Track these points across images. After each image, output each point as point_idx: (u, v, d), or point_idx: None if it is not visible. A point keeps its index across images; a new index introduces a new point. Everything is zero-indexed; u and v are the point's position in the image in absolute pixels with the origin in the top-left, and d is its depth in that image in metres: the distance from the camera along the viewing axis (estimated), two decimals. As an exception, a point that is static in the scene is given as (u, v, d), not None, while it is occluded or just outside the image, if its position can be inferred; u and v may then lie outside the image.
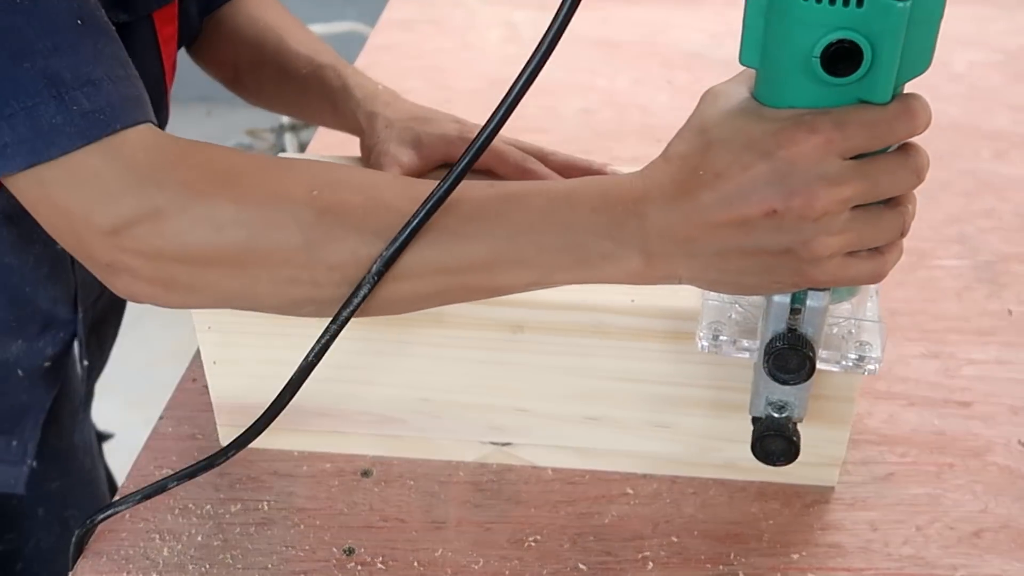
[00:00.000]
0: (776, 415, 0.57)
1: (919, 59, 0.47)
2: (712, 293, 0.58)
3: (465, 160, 0.51)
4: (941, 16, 0.46)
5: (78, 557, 0.64)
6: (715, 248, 0.50)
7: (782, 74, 0.48)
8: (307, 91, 0.81)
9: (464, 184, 0.52)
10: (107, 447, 1.03)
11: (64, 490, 0.86)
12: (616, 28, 1.47)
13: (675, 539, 0.65)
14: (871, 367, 0.56)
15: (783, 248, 0.49)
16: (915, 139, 0.50)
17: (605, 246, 0.52)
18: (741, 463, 0.68)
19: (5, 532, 0.84)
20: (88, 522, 0.63)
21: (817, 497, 0.69)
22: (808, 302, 0.53)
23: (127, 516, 0.67)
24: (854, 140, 0.47)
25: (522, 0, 1.54)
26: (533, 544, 0.65)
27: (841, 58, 0.45)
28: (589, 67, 1.34)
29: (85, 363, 0.77)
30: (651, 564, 0.64)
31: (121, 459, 0.98)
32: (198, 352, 0.82)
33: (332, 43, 0.86)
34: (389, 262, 0.51)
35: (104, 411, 1.91)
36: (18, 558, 0.85)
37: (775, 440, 0.56)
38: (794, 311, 0.53)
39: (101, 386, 0.94)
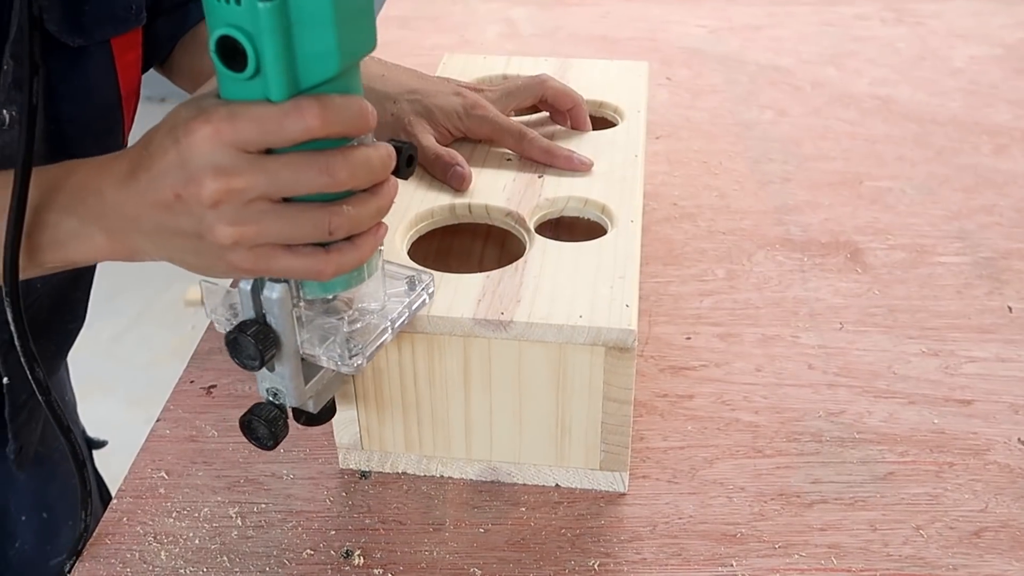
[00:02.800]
0: (272, 400, 0.58)
1: (320, 61, 0.48)
2: None
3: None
4: (331, 20, 0.47)
5: None
6: (153, 227, 0.52)
7: (215, 67, 0.49)
8: None
9: None
10: (108, 445, 1.03)
11: (41, 495, 0.85)
12: (615, 24, 1.46)
13: (674, 540, 0.65)
14: (358, 362, 0.56)
15: (193, 232, 0.50)
16: (379, 143, 0.51)
17: (71, 224, 0.54)
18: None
19: None
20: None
21: (816, 498, 0.68)
22: (264, 292, 0.54)
23: (124, 520, 0.67)
24: (244, 133, 0.48)
25: (520, -4, 1.53)
26: (532, 546, 0.65)
27: (226, 53, 0.47)
28: (588, 63, 1.34)
29: (5, 380, 0.77)
30: (650, 565, 0.63)
31: (122, 458, 0.97)
32: (196, 352, 0.82)
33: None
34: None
35: (105, 410, 1.92)
36: (3, 560, 0.85)
37: (259, 424, 0.57)
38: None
39: (99, 385, 0.94)
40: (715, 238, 0.96)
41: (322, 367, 0.59)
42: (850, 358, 0.81)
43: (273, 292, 0.54)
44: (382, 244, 0.55)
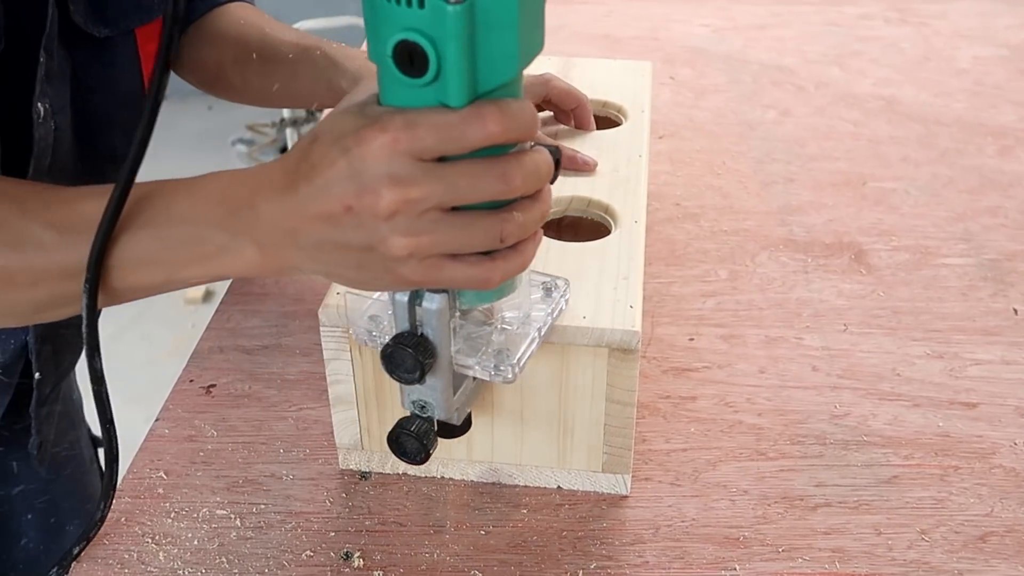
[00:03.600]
0: (420, 414, 0.56)
1: (500, 64, 0.46)
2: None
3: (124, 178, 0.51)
4: (515, 23, 0.45)
5: None
6: (313, 241, 0.50)
7: (380, 72, 0.48)
8: (297, 75, 0.82)
9: (90, 189, 0.53)
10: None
11: (40, 494, 0.85)
12: (618, 23, 1.46)
13: (676, 543, 0.65)
14: (509, 375, 0.55)
15: (364, 245, 0.49)
16: (538, 147, 0.50)
17: (221, 237, 0.52)
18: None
19: None
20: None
21: (820, 501, 0.68)
22: (423, 303, 0.52)
23: (122, 520, 0.66)
24: (424, 142, 0.46)
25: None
26: (533, 548, 0.64)
27: (408, 59, 0.45)
28: (590, 62, 1.33)
29: (37, 375, 0.76)
30: (652, 569, 0.63)
31: (122, 456, 0.97)
32: (195, 351, 0.81)
33: (332, 37, 0.86)
34: (93, 277, 0.52)
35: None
36: (8, 557, 0.85)
37: (408, 439, 0.56)
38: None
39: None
40: (718, 238, 0.96)
41: (466, 378, 0.58)
42: (854, 360, 0.81)
43: (433, 303, 0.52)
44: None
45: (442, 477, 0.70)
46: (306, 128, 2.50)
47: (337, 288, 0.64)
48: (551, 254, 0.68)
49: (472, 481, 0.69)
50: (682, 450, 0.72)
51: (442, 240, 0.48)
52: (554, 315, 0.60)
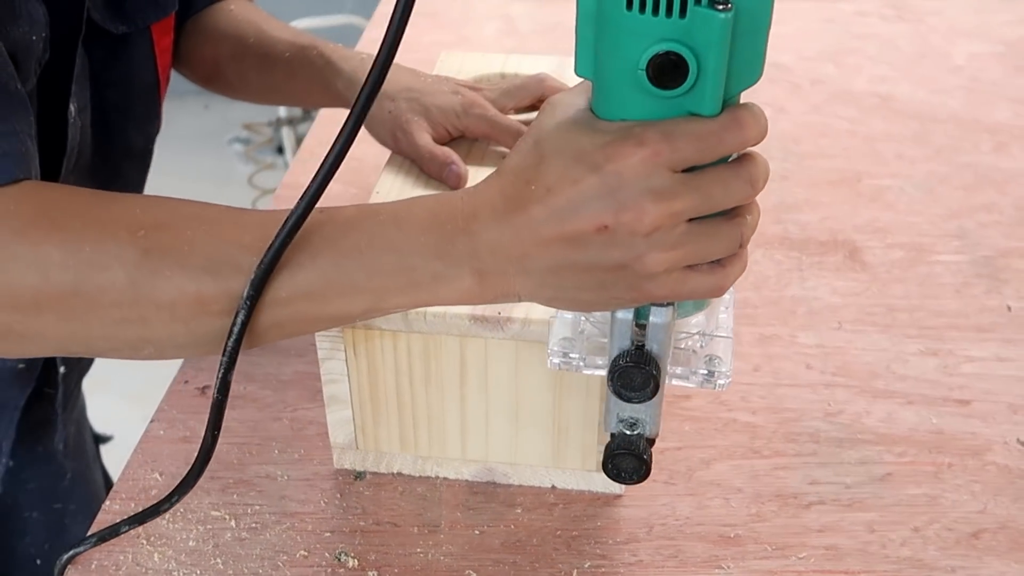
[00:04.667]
0: (628, 432, 0.55)
1: (749, 69, 0.46)
2: None
3: (310, 193, 0.49)
4: (768, 26, 0.45)
5: None
6: (548, 264, 0.49)
7: (613, 85, 0.46)
8: (293, 74, 0.82)
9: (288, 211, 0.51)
10: (104, 445, 1.03)
11: (49, 491, 0.85)
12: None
13: (671, 542, 0.65)
14: (721, 382, 0.54)
15: (616, 264, 0.48)
16: (758, 147, 0.49)
17: (435, 266, 0.50)
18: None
19: None
20: (57, 562, 0.63)
21: (814, 499, 0.68)
22: (651, 318, 0.51)
23: (117, 520, 0.66)
24: (683, 152, 0.46)
25: (519, -7, 1.53)
26: (527, 548, 0.64)
27: (667, 70, 0.44)
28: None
29: (62, 369, 0.76)
30: (646, 567, 0.63)
31: (116, 456, 0.97)
32: (191, 353, 0.81)
33: (328, 36, 0.86)
34: (255, 293, 0.50)
35: (99, 407, 1.91)
36: (11, 556, 0.85)
37: (625, 458, 0.55)
38: (640, 326, 0.52)
39: (96, 382, 0.94)
40: (713, 237, 0.96)
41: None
42: (848, 358, 0.81)
43: (662, 317, 0.51)
44: None
45: (436, 477, 0.70)
46: (303, 127, 2.50)
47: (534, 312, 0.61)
48: None
49: (466, 480, 0.69)
50: (676, 449, 0.72)
51: (692, 252, 0.48)
52: (732, 313, 0.58)
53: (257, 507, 0.67)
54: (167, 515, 0.67)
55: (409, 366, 0.66)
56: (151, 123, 0.76)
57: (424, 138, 0.76)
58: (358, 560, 0.63)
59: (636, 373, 0.51)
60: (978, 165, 1.09)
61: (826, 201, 1.02)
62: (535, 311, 0.62)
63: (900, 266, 0.92)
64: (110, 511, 0.67)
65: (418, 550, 0.64)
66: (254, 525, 0.66)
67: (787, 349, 0.82)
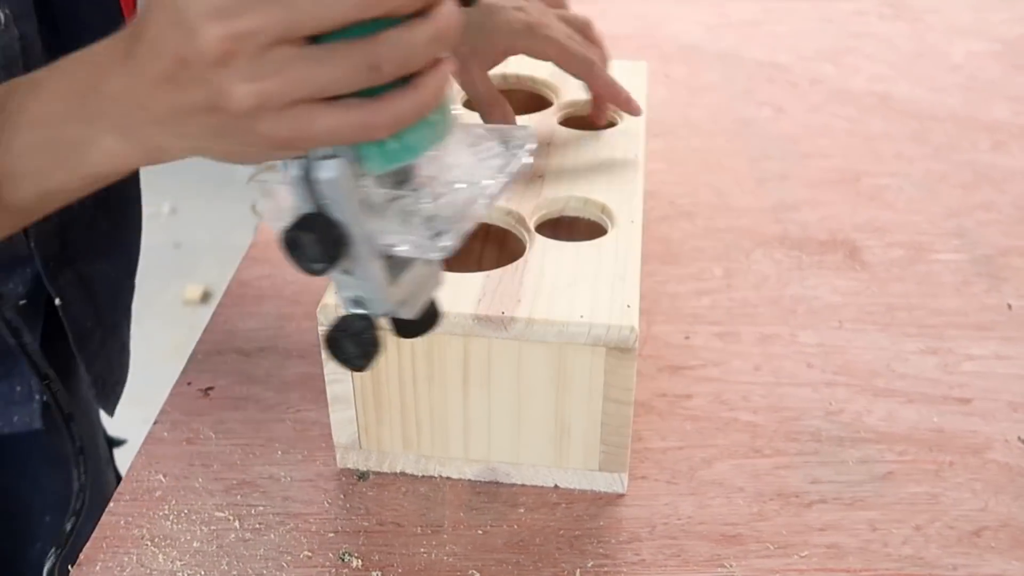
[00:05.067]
0: (354, 312, 0.48)
1: None
2: None
3: None
4: None
5: None
6: (165, 109, 0.43)
7: None
8: None
9: None
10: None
11: (63, 496, 0.85)
12: (613, 21, 1.46)
13: (673, 541, 0.65)
14: (444, 244, 0.44)
15: (208, 103, 0.41)
16: None
17: (76, 131, 0.46)
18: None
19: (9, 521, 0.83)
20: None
21: (815, 498, 0.68)
22: (312, 172, 0.43)
23: (121, 522, 0.66)
24: None
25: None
26: (530, 547, 0.65)
27: None
28: (585, 61, 1.33)
29: (57, 301, 0.71)
30: (649, 566, 0.63)
31: (119, 458, 0.97)
32: (194, 354, 0.81)
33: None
34: None
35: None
36: (23, 562, 0.85)
37: (343, 341, 0.47)
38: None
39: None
40: (713, 236, 0.96)
41: (413, 262, 0.48)
42: (849, 357, 0.81)
43: (324, 171, 0.43)
44: (449, 88, 0.44)
45: (439, 476, 0.70)
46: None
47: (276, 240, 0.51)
48: (548, 254, 0.68)
49: (469, 480, 0.70)
50: (678, 448, 0.72)
51: (296, 79, 0.39)
52: (511, 172, 0.48)
53: (261, 508, 0.67)
54: (170, 516, 0.67)
55: (412, 365, 0.66)
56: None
57: (483, 77, 0.67)
58: (362, 560, 0.64)
59: (302, 240, 0.43)
60: (977, 163, 1.09)
61: (825, 200, 1.02)
62: (538, 311, 0.62)
63: (900, 265, 0.92)
64: (115, 512, 0.67)
65: (421, 550, 0.64)
66: (258, 526, 0.66)
67: (788, 348, 0.82)
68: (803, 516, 0.67)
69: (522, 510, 0.67)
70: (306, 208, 0.44)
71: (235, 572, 0.63)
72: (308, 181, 0.44)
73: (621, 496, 0.68)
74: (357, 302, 0.48)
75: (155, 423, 0.75)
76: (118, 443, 1.00)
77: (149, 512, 0.67)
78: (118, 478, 1.00)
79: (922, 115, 1.19)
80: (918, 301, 0.87)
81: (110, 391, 0.83)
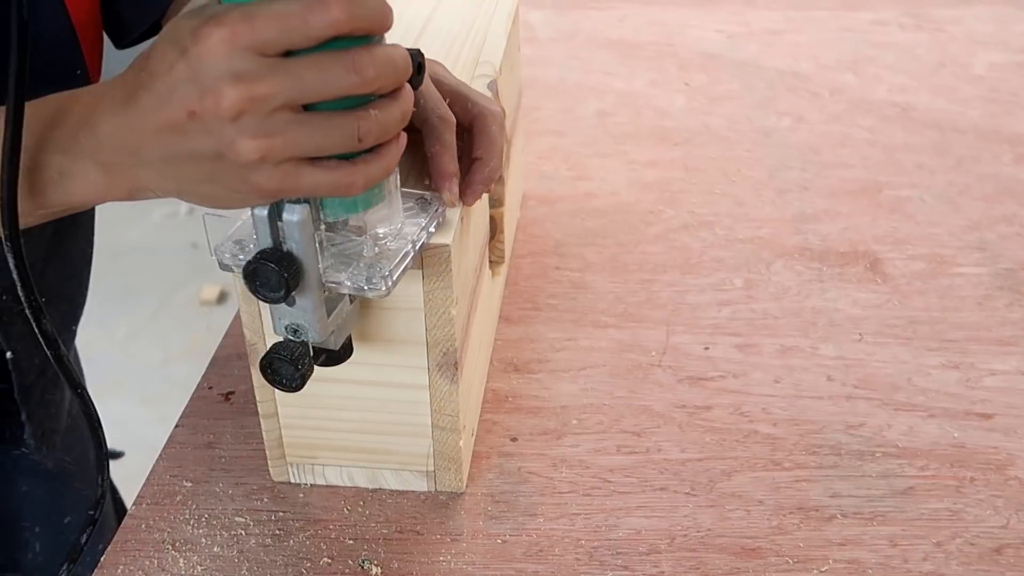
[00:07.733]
0: (292, 338, 0.54)
1: None
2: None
3: None
4: None
5: None
6: (161, 155, 0.48)
7: None
8: None
9: None
10: (121, 446, 1.02)
11: (49, 504, 0.85)
12: (633, 29, 1.46)
13: (692, 553, 0.65)
14: (380, 288, 0.53)
15: (213, 152, 0.46)
16: (393, 43, 0.48)
17: (60, 162, 0.50)
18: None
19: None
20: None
21: (835, 512, 0.68)
22: (284, 215, 0.50)
23: (142, 526, 0.67)
24: (264, 33, 0.44)
25: (539, 0, 1.53)
26: (549, 558, 0.65)
27: None
28: (606, 69, 1.33)
29: (9, 354, 0.73)
30: (668, 579, 0.63)
31: (137, 457, 0.98)
32: (215, 359, 0.82)
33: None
34: None
35: (118, 408, 1.93)
36: (19, 569, 0.85)
37: (282, 364, 0.54)
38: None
39: (114, 384, 0.94)
40: (733, 246, 0.96)
41: (341, 299, 0.56)
42: (869, 370, 0.81)
43: (294, 214, 0.50)
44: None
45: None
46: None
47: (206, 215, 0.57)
48: None
49: (489, 491, 0.70)
50: (697, 460, 0.72)
51: (295, 141, 0.46)
52: (430, 229, 0.57)
53: (281, 514, 0.68)
54: (191, 521, 0.67)
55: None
56: (75, 81, 0.69)
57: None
58: (381, 568, 0.64)
59: (266, 271, 0.50)
60: (999, 176, 1.08)
61: (846, 211, 1.02)
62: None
63: (921, 278, 0.92)
64: (136, 516, 0.68)
65: (440, 559, 0.64)
66: (278, 532, 0.66)
67: (808, 361, 0.82)
68: (823, 530, 0.67)
69: (541, 520, 0.67)
70: (265, 243, 0.51)
71: (255, 578, 0.63)
72: (273, 221, 0.50)
73: (639, 507, 0.68)
74: (293, 330, 0.55)
75: (176, 427, 0.75)
76: (115, 456, 1.00)
77: (170, 516, 0.68)
78: (114, 489, 0.99)
79: (943, 126, 1.19)
80: (939, 315, 0.87)
81: (50, 443, 0.84)
